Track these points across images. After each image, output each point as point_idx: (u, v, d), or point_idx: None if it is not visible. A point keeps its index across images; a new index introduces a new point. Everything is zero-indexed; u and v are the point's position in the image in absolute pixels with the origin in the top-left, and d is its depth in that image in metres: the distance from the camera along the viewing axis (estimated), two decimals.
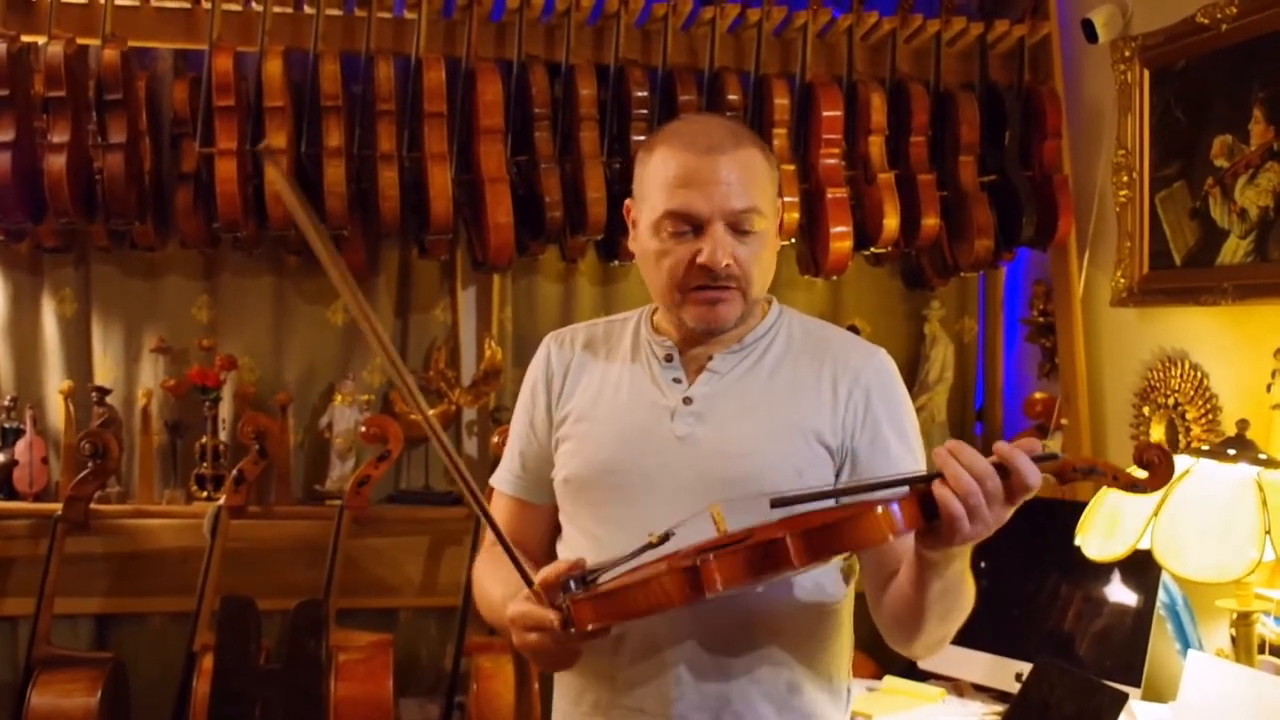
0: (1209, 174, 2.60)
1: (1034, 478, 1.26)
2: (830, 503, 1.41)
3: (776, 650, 1.50)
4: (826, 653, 1.55)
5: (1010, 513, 1.28)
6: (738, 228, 1.48)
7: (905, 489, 1.31)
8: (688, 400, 1.53)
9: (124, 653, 2.99)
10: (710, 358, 1.55)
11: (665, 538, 1.37)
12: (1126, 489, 1.34)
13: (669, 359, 1.56)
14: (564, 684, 1.60)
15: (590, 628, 1.32)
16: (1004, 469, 1.27)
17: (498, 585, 1.56)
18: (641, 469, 1.51)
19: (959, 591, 1.42)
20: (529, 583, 1.38)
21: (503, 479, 1.69)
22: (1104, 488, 2.35)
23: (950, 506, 1.25)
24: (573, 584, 1.36)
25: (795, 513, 1.35)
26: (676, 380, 1.55)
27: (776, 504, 1.35)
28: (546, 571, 1.38)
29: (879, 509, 1.27)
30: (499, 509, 1.69)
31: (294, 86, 2.90)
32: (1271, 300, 2.43)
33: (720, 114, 2.90)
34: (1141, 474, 1.35)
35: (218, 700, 2.74)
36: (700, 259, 1.46)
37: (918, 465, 1.52)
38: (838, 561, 1.54)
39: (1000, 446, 1.28)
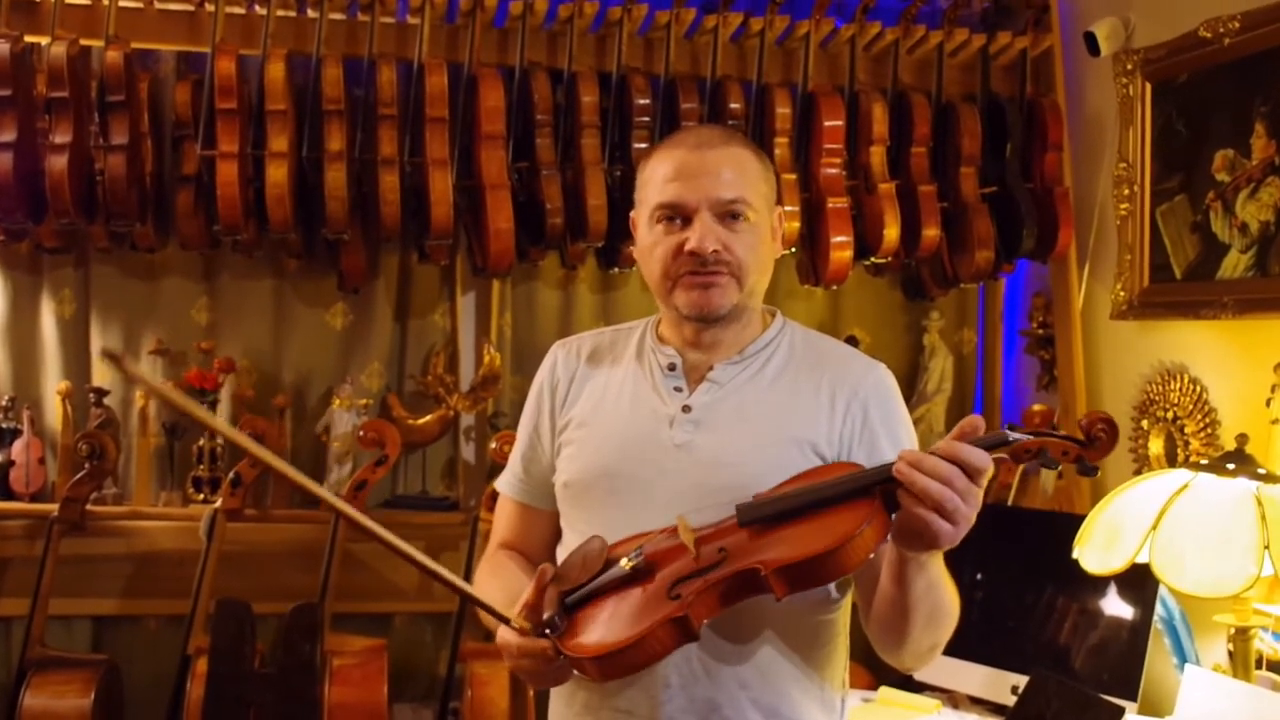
0: (1210, 188, 2.60)
1: (984, 461, 1.28)
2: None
3: (767, 658, 1.51)
4: (818, 663, 1.56)
5: (980, 496, 1.29)
6: (726, 217, 1.52)
7: (872, 500, 1.33)
8: (687, 408, 1.55)
9: (118, 655, 2.98)
10: (711, 367, 1.58)
11: (640, 564, 1.40)
12: (1074, 463, 1.41)
13: (671, 368, 1.59)
14: (558, 686, 1.60)
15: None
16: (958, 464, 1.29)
17: (495, 592, 1.58)
18: (639, 475, 1.53)
19: (942, 591, 1.43)
20: (505, 620, 1.43)
21: (506, 483, 1.72)
22: (1100, 501, 2.35)
23: (930, 521, 1.27)
24: (557, 619, 1.40)
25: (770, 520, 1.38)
26: (677, 389, 1.57)
27: (744, 518, 1.39)
28: (524, 599, 1.43)
29: (857, 534, 1.31)
30: (503, 512, 1.73)
31: (296, 90, 2.90)
32: (1272, 314, 2.43)
33: (721, 123, 2.92)
34: (1087, 449, 1.42)
35: (212, 703, 2.73)
36: (688, 245, 1.51)
37: None
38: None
39: (943, 447, 1.29)
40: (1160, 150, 2.77)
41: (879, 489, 1.33)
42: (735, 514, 1.40)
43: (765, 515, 1.38)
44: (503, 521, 1.72)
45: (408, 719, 3.09)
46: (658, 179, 1.54)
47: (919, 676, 2.78)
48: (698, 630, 1.34)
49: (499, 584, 1.61)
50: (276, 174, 2.80)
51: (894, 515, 1.33)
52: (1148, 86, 2.79)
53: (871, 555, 1.33)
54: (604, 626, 1.38)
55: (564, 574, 1.43)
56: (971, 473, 1.27)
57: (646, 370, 1.61)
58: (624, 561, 1.41)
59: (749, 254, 1.53)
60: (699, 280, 1.52)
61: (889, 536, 1.35)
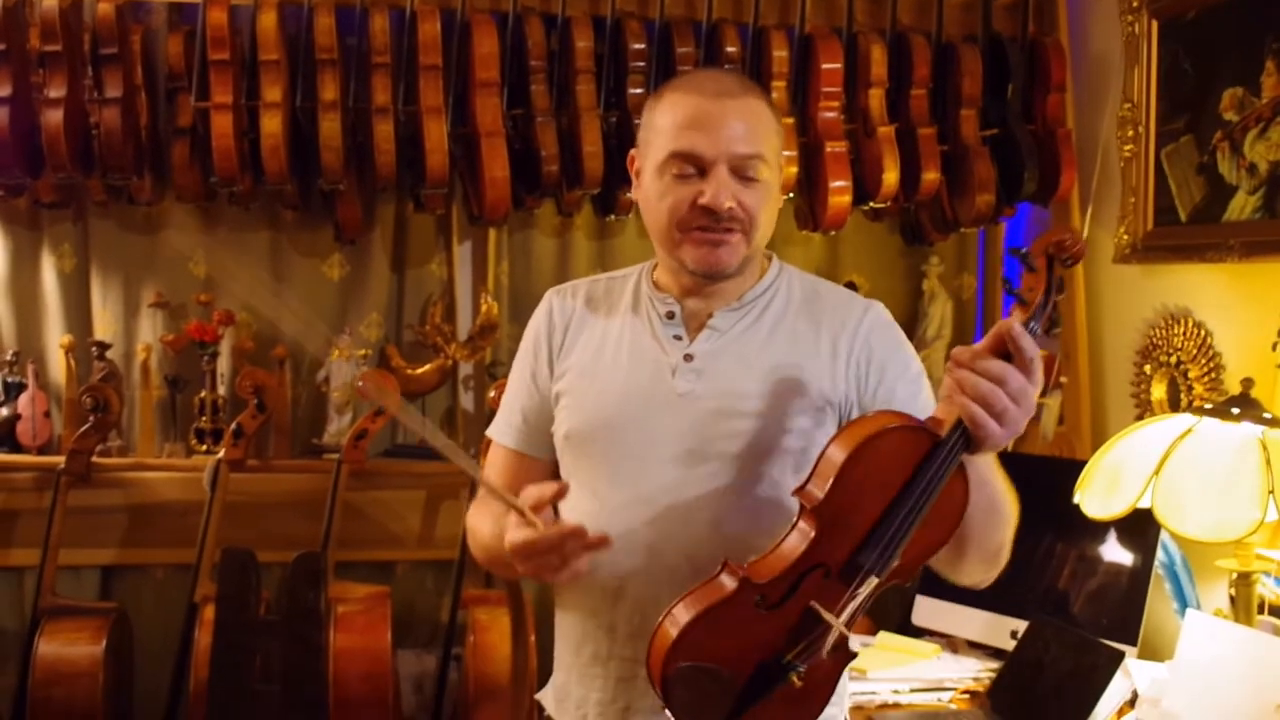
0: (1218, 128, 2.55)
1: (1033, 349, 1.26)
2: None
3: None
4: None
5: (1033, 395, 1.26)
6: (741, 173, 1.49)
7: (948, 459, 1.29)
8: (689, 357, 1.54)
9: (127, 603, 3.02)
10: (710, 315, 1.56)
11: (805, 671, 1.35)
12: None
13: (670, 316, 1.57)
14: (565, 635, 1.62)
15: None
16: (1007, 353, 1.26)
17: (486, 521, 1.59)
18: (642, 425, 1.52)
19: (995, 487, 1.41)
20: (521, 511, 1.39)
21: (501, 431, 1.70)
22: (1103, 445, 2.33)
23: (988, 427, 1.25)
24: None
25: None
26: (677, 337, 1.56)
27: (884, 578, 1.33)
28: (534, 494, 1.40)
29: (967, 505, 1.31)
30: (497, 460, 1.71)
31: (289, 40, 2.88)
32: (1279, 257, 2.39)
33: (719, 67, 2.88)
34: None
35: (219, 650, 2.77)
36: (702, 200, 1.48)
37: (930, 403, 1.53)
38: None
39: (1005, 328, 1.26)
40: (1166, 90, 2.71)
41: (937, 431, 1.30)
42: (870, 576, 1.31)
43: (890, 559, 1.31)
44: (496, 470, 1.70)
45: (411, 664, 3.13)
46: (671, 124, 1.50)
47: (918, 622, 2.79)
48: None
49: (487, 514, 1.61)
50: (271, 125, 2.79)
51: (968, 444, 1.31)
52: (1154, 24, 2.73)
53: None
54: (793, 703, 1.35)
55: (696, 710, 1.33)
56: (1023, 367, 1.25)
57: (644, 319, 1.59)
58: (794, 679, 1.32)
59: (760, 210, 1.50)
60: (710, 237, 1.49)
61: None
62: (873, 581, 1.30)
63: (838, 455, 1.31)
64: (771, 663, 1.31)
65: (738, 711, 1.31)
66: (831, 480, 1.29)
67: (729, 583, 1.31)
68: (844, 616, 1.29)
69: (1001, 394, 1.24)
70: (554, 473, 1.64)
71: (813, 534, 1.30)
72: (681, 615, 1.31)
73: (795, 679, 1.31)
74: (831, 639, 1.31)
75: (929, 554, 1.36)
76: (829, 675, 1.36)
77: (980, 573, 1.48)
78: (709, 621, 1.30)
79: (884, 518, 1.30)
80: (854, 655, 1.36)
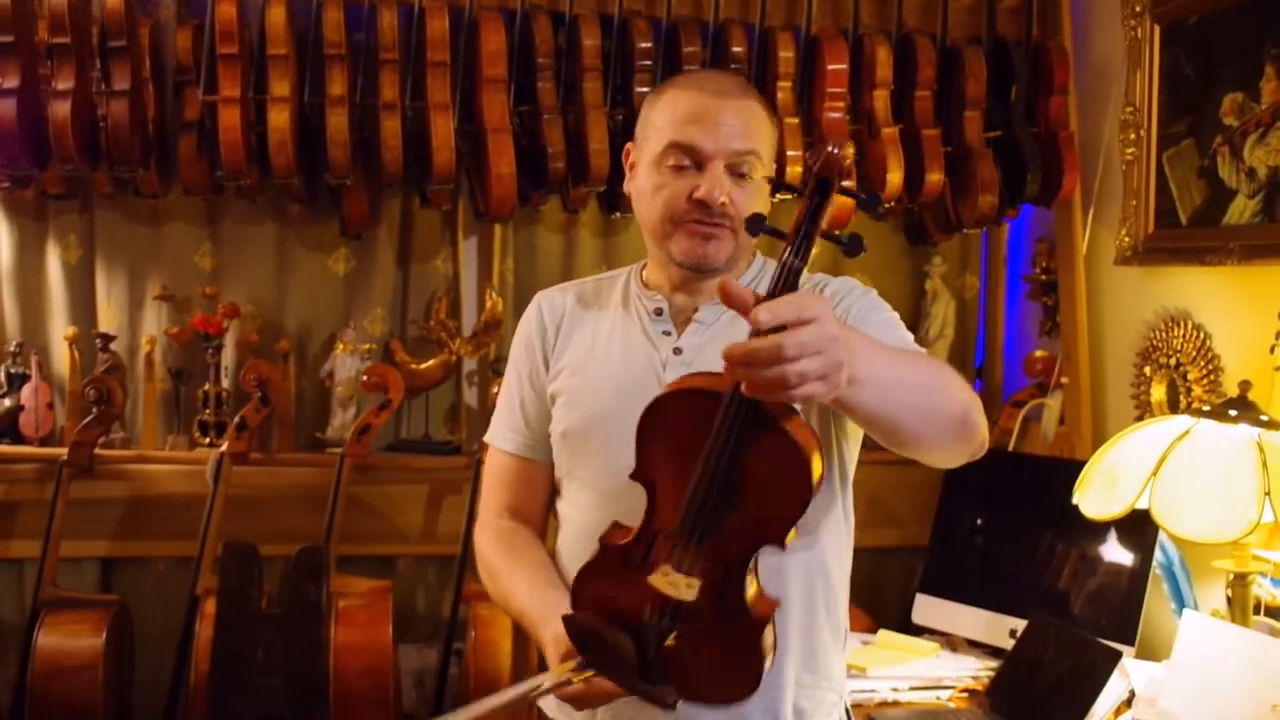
0: (1218, 132, 2.57)
1: (778, 316, 1.10)
2: None
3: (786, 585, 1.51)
4: (827, 585, 1.57)
5: (816, 334, 1.10)
6: (736, 170, 1.52)
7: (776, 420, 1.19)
8: (678, 351, 1.57)
9: (128, 596, 3.02)
10: (696, 309, 1.59)
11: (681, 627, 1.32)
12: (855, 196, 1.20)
13: (658, 312, 1.60)
14: None
15: None
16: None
17: (520, 585, 1.56)
18: (636, 420, 1.53)
19: (901, 382, 1.28)
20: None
21: (504, 437, 1.70)
22: (1101, 447, 2.35)
23: (767, 396, 1.14)
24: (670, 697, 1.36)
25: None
26: (666, 333, 1.59)
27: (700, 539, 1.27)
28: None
29: (816, 469, 1.21)
30: (498, 466, 1.71)
31: (297, 34, 2.89)
32: (1278, 261, 2.41)
33: (725, 67, 2.90)
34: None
35: (220, 643, 2.77)
36: (698, 194, 1.51)
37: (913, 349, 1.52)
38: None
39: (735, 351, 1.11)
40: (1168, 94, 2.74)
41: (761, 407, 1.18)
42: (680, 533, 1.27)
43: (708, 527, 1.25)
44: (501, 480, 1.70)
45: (412, 659, 3.13)
46: (672, 117, 1.53)
47: (917, 620, 2.81)
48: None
49: (522, 577, 1.57)
50: (278, 119, 2.79)
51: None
52: (1156, 29, 2.75)
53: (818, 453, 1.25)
54: (714, 669, 1.34)
55: (607, 663, 1.35)
56: (785, 327, 1.10)
57: (634, 316, 1.62)
58: (670, 639, 1.30)
59: (750, 208, 1.53)
60: (701, 230, 1.52)
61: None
62: (705, 549, 1.24)
63: (635, 427, 1.31)
64: (649, 622, 1.30)
65: (643, 670, 1.31)
66: (635, 453, 1.31)
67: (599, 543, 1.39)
68: (686, 582, 1.25)
69: (757, 369, 1.10)
70: (553, 475, 1.66)
71: (647, 501, 1.33)
72: (580, 570, 1.41)
73: (671, 639, 1.29)
74: (689, 598, 1.26)
75: (792, 509, 1.24)
76: (752, 628, 1.30)
77: (958, 452, 1.39)
78: (591, 578, 1.38)
79: (692, 485, 1.24)
80: (774, 605, 1.31)
